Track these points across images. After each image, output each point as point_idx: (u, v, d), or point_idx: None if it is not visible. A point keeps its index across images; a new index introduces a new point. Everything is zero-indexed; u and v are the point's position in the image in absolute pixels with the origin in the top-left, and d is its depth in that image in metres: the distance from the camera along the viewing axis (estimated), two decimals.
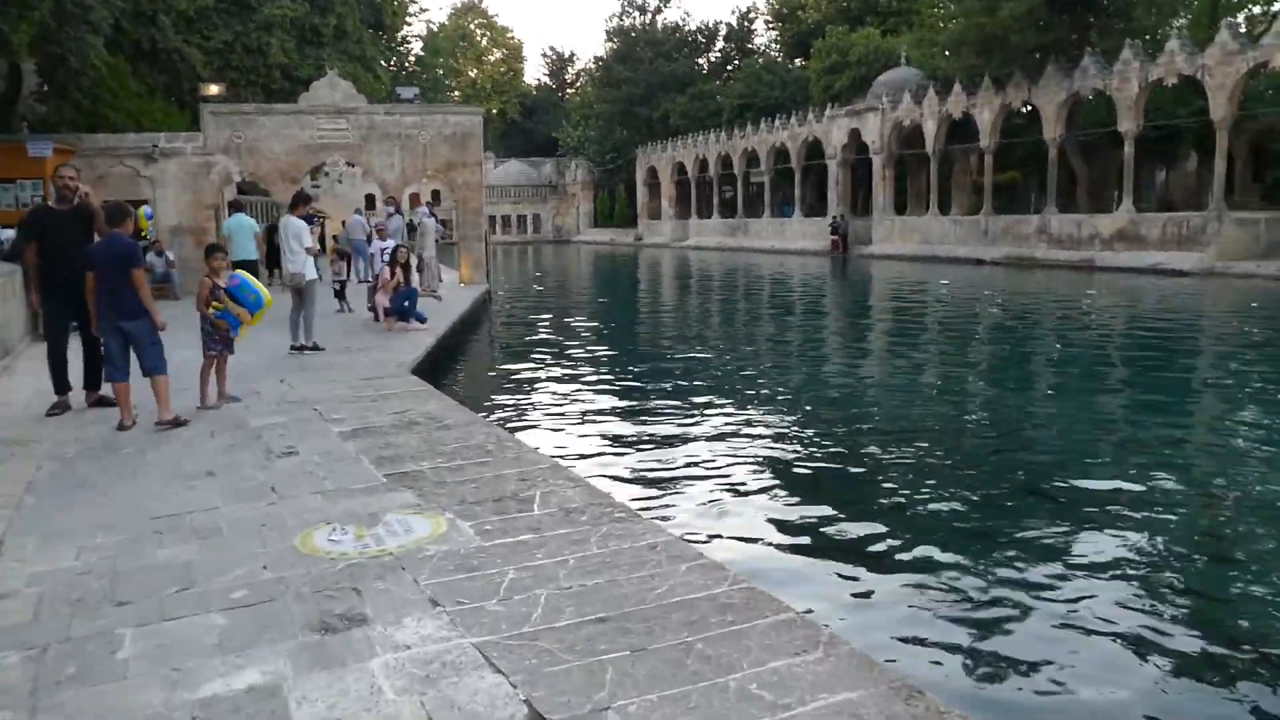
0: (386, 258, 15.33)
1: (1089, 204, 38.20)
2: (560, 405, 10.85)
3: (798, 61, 64.19)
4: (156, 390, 7.39)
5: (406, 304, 13.57)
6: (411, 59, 38.58)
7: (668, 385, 12.04)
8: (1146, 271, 30.88)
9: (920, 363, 14.43)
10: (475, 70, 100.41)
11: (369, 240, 22.64)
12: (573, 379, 12.75)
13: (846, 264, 42.72)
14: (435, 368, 11.95)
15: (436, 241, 21.04)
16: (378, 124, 23.22)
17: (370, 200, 77.51)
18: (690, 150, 64.74)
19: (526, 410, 10.63)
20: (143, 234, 23.90)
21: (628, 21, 78.07)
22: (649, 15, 77.88)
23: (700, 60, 77.35)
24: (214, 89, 22.21)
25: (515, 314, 21.98)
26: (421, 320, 13.82)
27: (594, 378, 12.84)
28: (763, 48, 77.46)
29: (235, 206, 17.60)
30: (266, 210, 26.89)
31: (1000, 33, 35.27)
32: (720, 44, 78.28)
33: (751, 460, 8.27)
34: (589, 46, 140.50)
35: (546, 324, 19.63)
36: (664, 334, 17.73)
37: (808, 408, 10.80)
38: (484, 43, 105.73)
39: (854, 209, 51.13)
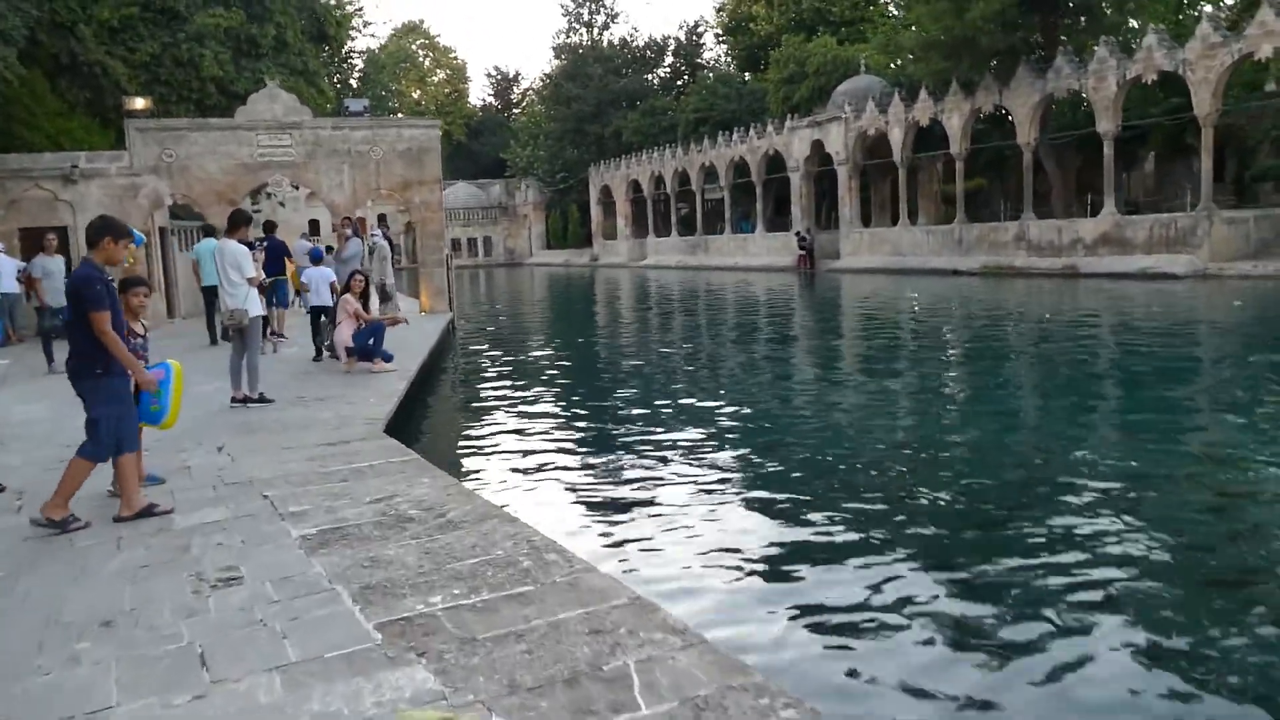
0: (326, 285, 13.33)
1: (1064, 209, 37.10)
2: (553, 465, 8.88)
3: (748, 75, 62.93)
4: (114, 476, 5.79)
5: (371, 341, 11.53)
6: (356, 75, 36.36)
7: (660, 433, 10.15)
8: (1136, 276, 29.71)
9: (908, 387, 12.80)
10: (418, 91, 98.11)
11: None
12: (556, 427, 10.79)
13: (815, 279, 41.24)
14: (407, 417, 9.95)
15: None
16: (325, 139, 21.14)
17: (315, 226, 75.07)
18: (645, 167, 63.12)
19: (519, 473, 8.65)
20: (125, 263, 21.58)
21: (575, 38, 76.56)
22: (596, 31, 76.43)
23: (650, 76, 75.93)
24: (140, 102, 19.98)
25: (479, 347, 19.94)
26: (387, 359, 11.80)
27: (578, 425, 10.88)
28: (712, 62, 76.39)
29: (207, 231, 17.10)
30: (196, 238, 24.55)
31: (970, 35, 34.05)
32: (669, 59, 76.96)
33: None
34: (534, 66, 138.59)
35: (514, 359, 17.62)
36: (641, 369, 15.85)
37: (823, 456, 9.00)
38: (427, 63, 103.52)
39: (818, 222, 49.81)
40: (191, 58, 25.14)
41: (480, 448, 9.62)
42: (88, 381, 5.54)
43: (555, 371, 15.78)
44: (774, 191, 53.22)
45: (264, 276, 12.06)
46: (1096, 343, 16.81)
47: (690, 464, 8.47)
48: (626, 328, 24.02)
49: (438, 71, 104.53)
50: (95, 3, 23.53)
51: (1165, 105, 34.62)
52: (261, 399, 9.48)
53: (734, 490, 7.69)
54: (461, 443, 9.89)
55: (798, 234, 47.27)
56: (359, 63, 43.70)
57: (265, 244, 14.84)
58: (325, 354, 13.14)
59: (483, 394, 12.96)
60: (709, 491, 7.58)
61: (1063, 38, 36.49)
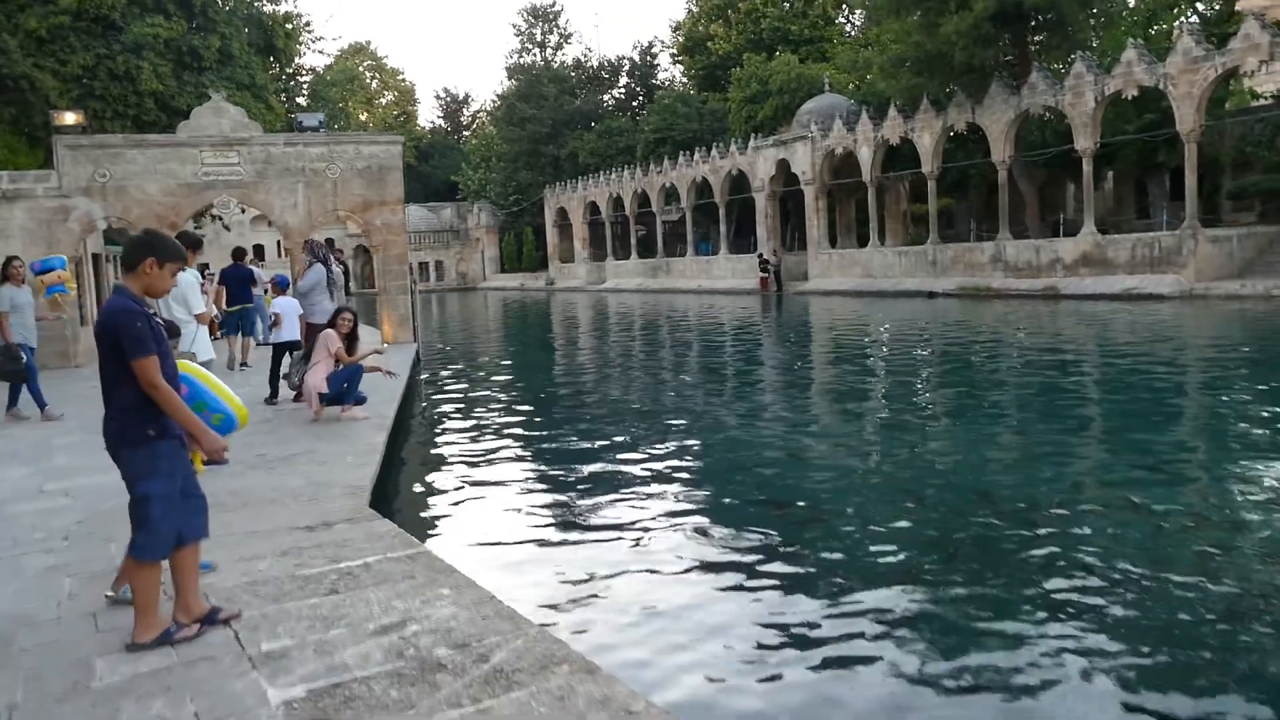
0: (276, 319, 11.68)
1: (1039, 229, 36.37)
2: (553, 529, 7.38)
3: (705, 95, 62.02)
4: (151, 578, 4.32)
5: (345, 385, 9.89)
6: (304, 93, 34.56)
7: (672, 492, 8.67)
8: (1120, 297, 28.92)
9: (884, 419, 11.56)
10: (366, 113, 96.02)
11: (267, 292, 18.84)
12: (540, 478, 9.27)
13: (782, 302, 40.11)
14: (383, 475, 8.35)
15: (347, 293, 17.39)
16: (276, 157, 19.42)
17: (259, 250, 72.55)
18: (603, 189, 61.79)
19: (517, 549, 7.12)
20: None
21: (528, 58, 75.27)
22: (549, 51, 75.24)
23: (605, 97, 74.85)
24: (71, 117, 18.13)
25: (449, 381, 18.28)
26: (360, 401, 10.18)
27: (572, 484, 9.33)
28: (666, 82, 75.54)
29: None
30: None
31: (941, 51, 33.26)
32: (624, 80, 75.98)
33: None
34: (483, 88, 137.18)
35: (485, 394, 16.04)
36: (627, 405, 14.37)
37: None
38: (374, 85, 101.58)
39: (783, 243, 48.81)
40: (128, 70, 23.22)
41: (473, 516, 8.02)
42: (134, 450, 4.12)
43: (531, 408, 14.20)
44: (736, 212, 52.15)
45: (215, 311, 10.40)
46: (1111, 369, 15.66)
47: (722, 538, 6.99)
48: (596, 357, 22.47)
49: (385, 93, 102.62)
50: (21, 10, 21.59)
51: (1140, 122, 34.06)
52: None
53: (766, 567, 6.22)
54: (449, 509, 8.29)
55: (760, 257, 46.17)
56: (308, 79, 41.78)
57: (222, 272, 13.08)
58: (282, 396, 11.49)
59: (459, 441, 11.34)
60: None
61: (1033, 54, 35.92)
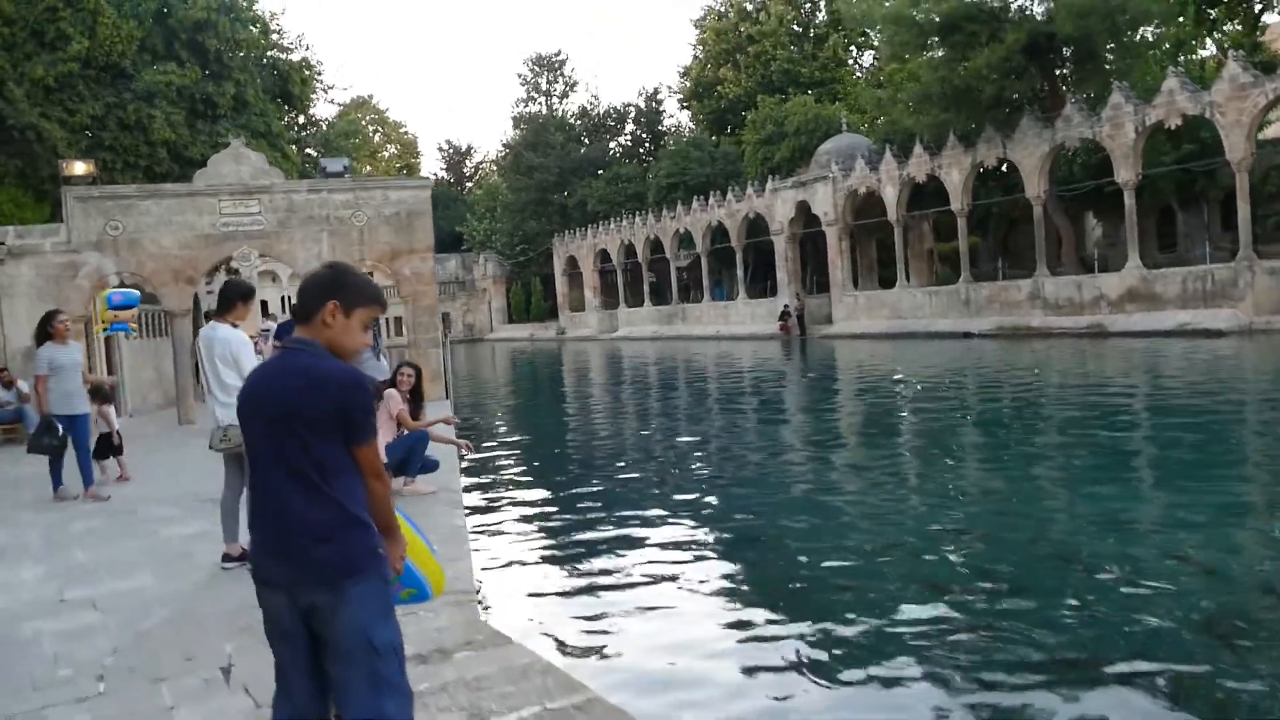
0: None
1: (1076, 265, 35.20)
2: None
3: (716, 138, 61.33)
4: None
5: (408, 453, 8.51)
6: (317, 141, 33.59)
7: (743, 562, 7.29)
8: (1173, 334, 27.64)
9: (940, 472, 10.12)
10: (370, 167, 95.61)
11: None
12: (590, 547, 7.90)
13: (807, 347, 38.83)
14: None
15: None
16: (299, 205, 18.25)
17: (264, 306, 71.47)
18: (614, 235, 60.83)
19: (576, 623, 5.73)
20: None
21: (534, 107, 74.81)
22: (555, 99, 74.83)
23: (612, 144, 74.26)
24: (81, 167, 16.98)
25: (486, 440, 16.90)
26: (430, 468, 8.81)
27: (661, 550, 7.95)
28: (673, 128, 75.00)
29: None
30: (156, 323, 21.29)
31: (972, 84, 32.35)
32: (630, 127, 75.44)
33: None
34: (485, 140, 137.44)
35: (527, 454, 14.70)
36: (680, 465, 13.03)
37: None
38: (377, 138, 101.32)
39: (803, 285, 47.66)
40: (139, 119, 22.13)
41: (551, 610, 6.61)
42: (367, 580, 2.81)
43: (580, 470, 12.80)
44: (752, 256, 51.09)
45: None
46: (1197, 409, 14.28)
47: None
48: (625, 414, 21.03)
49: (388, 146, 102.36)
50: (28, 59, 20.53)
51: (1178, 153, 33.06)
52: None
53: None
54: (517, 595, 6.86)
55: (784, 306, 44.98)
56: (320, 129, 40.86)
57: (279, 328, 11.67)
58: None
59: (509, 508, 9.95)
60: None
61: (1063, 87, 35.05)
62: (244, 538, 6.38)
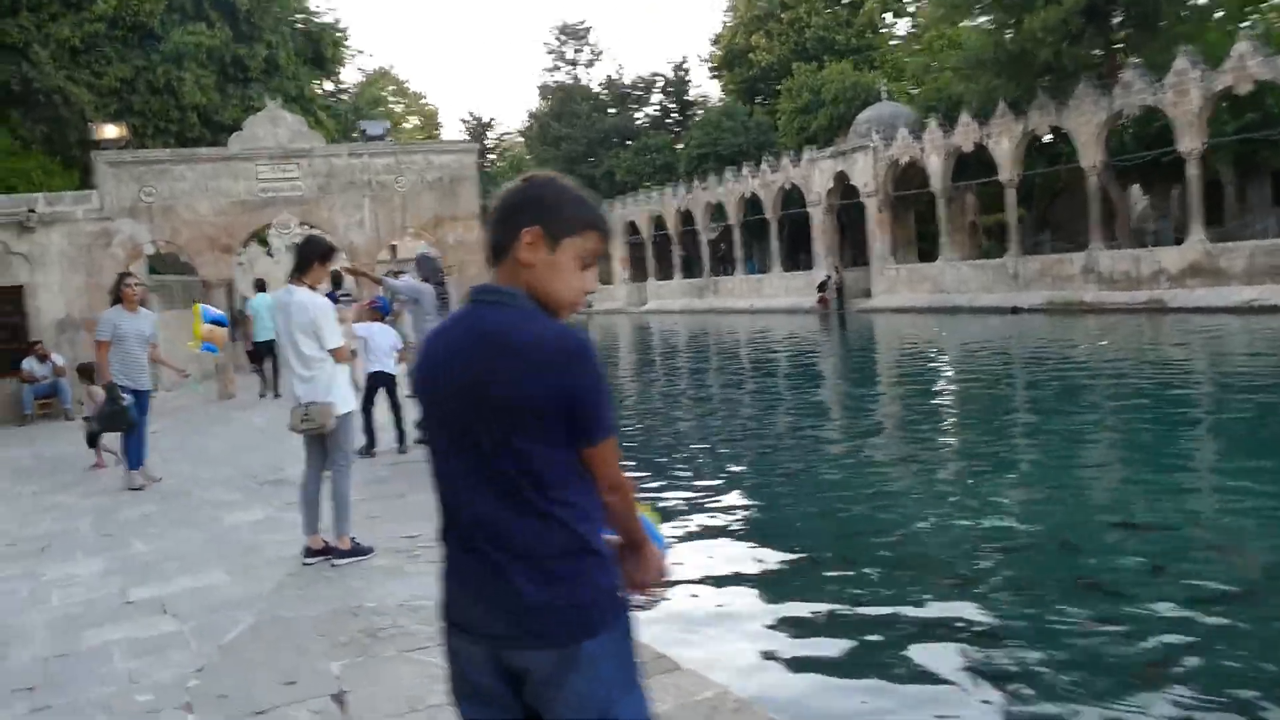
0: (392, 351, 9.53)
1: (1129, 238, 33.98)
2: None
3: (749, 107, 60.02)
4: None
5: None
6: (346, 108, 32.65)
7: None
8: (1239, 310, 26.49)
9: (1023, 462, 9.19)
10: (392, 139, 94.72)
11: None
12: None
13: (845, 321, 37.87)
14: None
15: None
16: (339, 169, 17.43)
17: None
18: (643, 207, 59.76)
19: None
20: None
21: (560, 77, 73.62)
22: (581, 69, 73.60)
23: (639, 114, 73.05)
24: (112, 130, 16.22)
25: None
26: None
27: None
28: (701, 98, 73.72)
29: (260, 286, 16.72)
30: (190, 295, 20.46)
31: (1026, 49, 31.07)
32: (657, 96, 74.15)
33: None
34: (506, 111, 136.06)
35: None
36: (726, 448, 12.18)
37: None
38: (399, 110, 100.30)
39: (840, 258, 46.54)
40: (169, 82, 21.28)
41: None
42: (609, 635, 1.95)
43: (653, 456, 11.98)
44: (786, 229, 49.97)
45: (353, 347, 8.14)
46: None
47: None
48: (669, 392, 20.17)
49: (410, 118, 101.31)
50: (53, 19, 19.69)
51: (1240, 121, 31.72)
52: (355, 550, 5.63)
53: None
54: None
55: (825, 279, 43.86)
56: (347, 95, 39.92)
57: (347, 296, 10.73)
58: (383, 445, 9.41)
59: None
60: None
61: (1120, 52, 33.72)
62: (326, 530, 5.62)
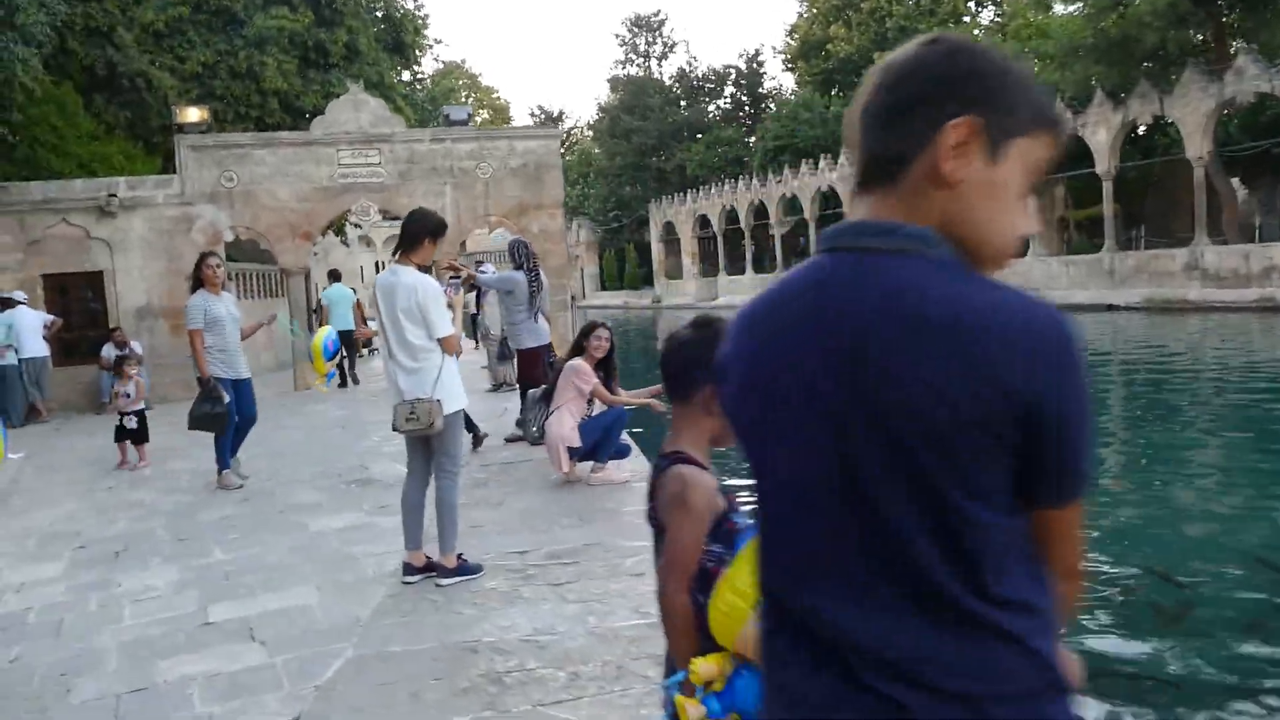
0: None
1: (1237, 233, 32.18)
2: None
3: (827, 99, 58.64)
4: None
5: (604, 435, 6.94)
6: (423, 100, 32.28)
7: None
8: None
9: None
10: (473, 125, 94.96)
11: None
12: None
13: None
14: None
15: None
16: (421, 155, 16.88)
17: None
18: (715, 200, 58.78)
19: None
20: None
21: (632, 70, 72.91)
22: (654, 61, 72.80)
23: (711, 107, 72.03)
24: (195, 113, 15.85)
25: None
26: (623, 453, 7.26)
27: None
28: (774, 90, 72.42)
29: (334, 276, 17.01)
30: (268, 284, 20.19)
31: (1131, 33, 29.50)
32: (729, 89, 73.01)
33: None
34: (575, 105, 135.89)
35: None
36: None
37: None
38: (470, 103, 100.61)
39: None
40: (251, 67, 21.00)
41: None
42: None
43: None
44: None
45: (463, 334, 7.40)
46: None
47: None
48: None
49: (481, 112, 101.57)
50: (137, 3, 19.51)
51: None
52: (463, 569, 4.93)
53: None
54: None
55: None
56: (427, 85, 39.68)
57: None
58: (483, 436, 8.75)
59: None
60: None
61: (1230, 37, 31.94)
62: (429, 544, 4.91)
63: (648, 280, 70.16)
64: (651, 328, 45.38)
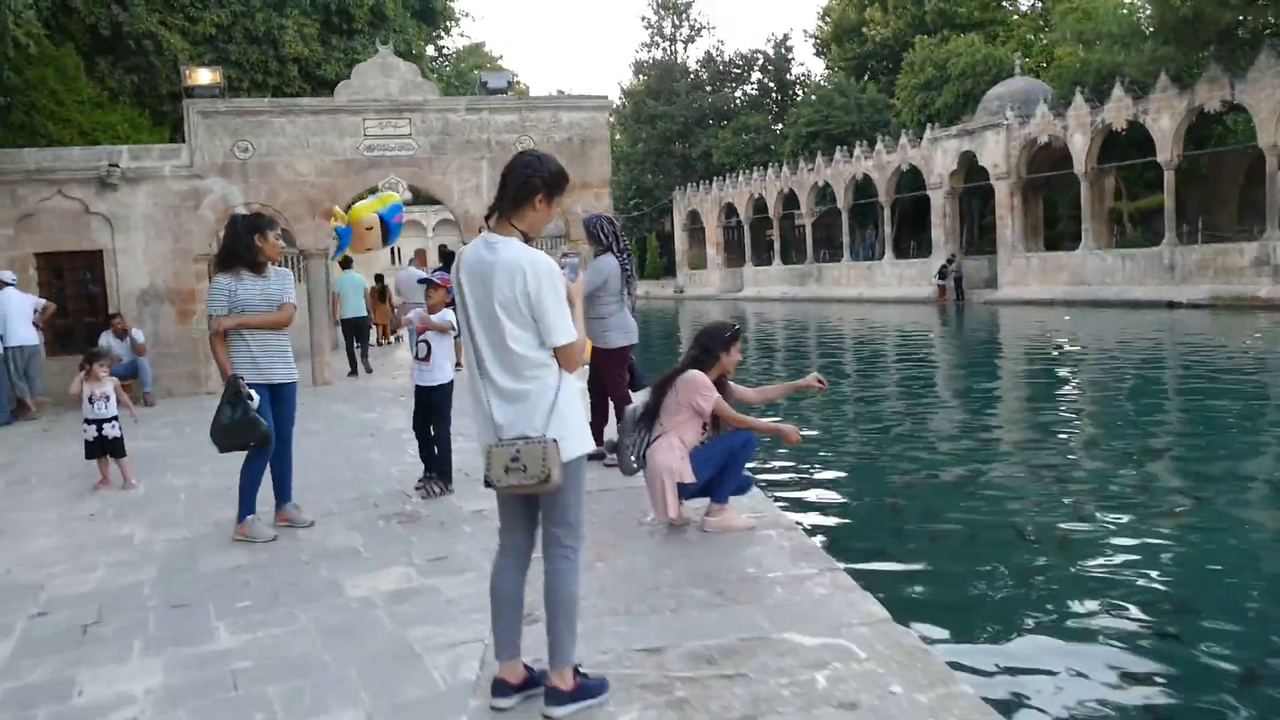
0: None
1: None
2: None
3: (862, 84, 56.76)
4: None
5: (725, 466, 5.27)
6: (448, 76, 30.51)
7: None
8: None
9: None
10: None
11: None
12: None
13: (968, 314, 34.80)
14: None
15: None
16: (456, 126, 15.24)
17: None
18: (742, 189, 56.96)
19: None
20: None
21: (656, 53, 71.02)
22: (680, 45, 70.91)
23: (738, 93, 70.14)
24: (206, 75, 14.21)
25: None
26: (744, 487, 5.59)
27: None
28: (802, 76, 70.50)
29: (345, 263, 16.86)
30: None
31: (1204, 11, 27.62)
32: (757, 75, 71.09)
33: None
34: (598, 89, 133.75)
35: None
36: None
37: None
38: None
39: (960, 245, 43.28)
40: (269, 31, 19.33)
41: None
42: None
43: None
44: (900, 213, 46.83)
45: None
46: None
47: None
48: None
49: None
50: None
51: None
52: (585, 689, 3.29)
53: None
54: None
55: (944, 264, 40.66)
56: (452, 60, 37.97)
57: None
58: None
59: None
60: None
61: None
62: (527, 651, 3.27)
63: (669, 270, 68.46)
64: (677, 320, 43.77)
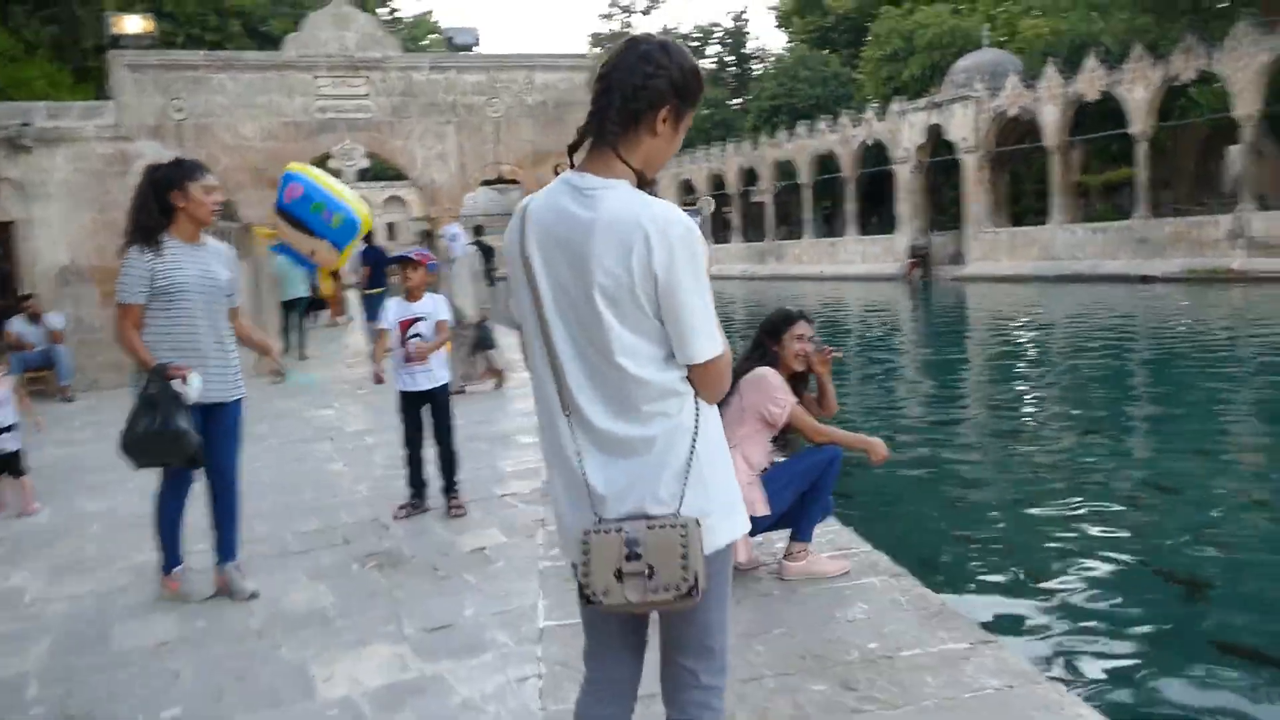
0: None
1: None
2: None
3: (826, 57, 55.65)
4: None
5: (807, 492, 4.00)
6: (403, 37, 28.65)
7: None
8: None
9: None
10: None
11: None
12: None
13: (934, 291, 34.09)
14: None
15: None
16: (419, 87, 13.79)
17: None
18: (701, 165, 55.75)
19: None
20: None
21: (616, 25, 69.41)
22: (639, 15, 69.37)
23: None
24: (136, 23, 12.57)
25: None
26: (825, 513, 4.28)
27: None
28: (759, 50, 69.33)
29: (281, 249, 13.57)
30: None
31: None
32: (714, 48, 69.78)
33: None
34: None
35: None
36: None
37: None
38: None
39: (924, 222, 42.47)
40: None
41: None
42: None
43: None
44: (863, 188, 45.91)
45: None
46: None
47: None
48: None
49: None
50: None
51: None
52: None
53: None
54: None
55: (913, 243, 39.99)
56: (402, 25, 36.03)
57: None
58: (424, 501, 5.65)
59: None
60: None
61: None
62: None
63: None
64: None
